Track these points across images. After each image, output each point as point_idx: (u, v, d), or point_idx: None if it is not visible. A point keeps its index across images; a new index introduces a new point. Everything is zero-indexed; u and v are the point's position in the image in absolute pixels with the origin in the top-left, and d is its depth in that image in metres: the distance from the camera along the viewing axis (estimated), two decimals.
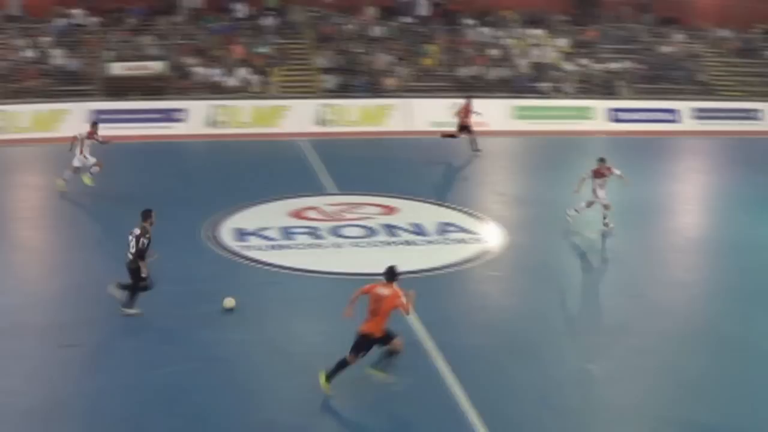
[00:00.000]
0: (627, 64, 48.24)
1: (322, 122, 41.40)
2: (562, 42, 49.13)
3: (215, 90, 42.43)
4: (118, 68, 42.24)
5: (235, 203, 27.88)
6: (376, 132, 41.10)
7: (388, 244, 25.24)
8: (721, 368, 18.29)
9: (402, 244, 25.35)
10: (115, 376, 16.94)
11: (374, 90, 43.94)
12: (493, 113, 42.52)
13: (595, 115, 44.67)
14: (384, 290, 16.13)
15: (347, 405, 16.53)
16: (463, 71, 45.92)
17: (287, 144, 37.84)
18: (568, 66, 47.57)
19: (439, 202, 29.31)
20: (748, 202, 30.88)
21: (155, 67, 42.79)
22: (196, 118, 40.26)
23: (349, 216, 27.56)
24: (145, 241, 19.19)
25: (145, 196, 28.15)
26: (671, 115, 45.70)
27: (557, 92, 45.80)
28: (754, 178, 34.42)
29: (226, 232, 25.57)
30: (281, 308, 20.61)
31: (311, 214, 27.67)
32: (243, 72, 43.26)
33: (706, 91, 47.65)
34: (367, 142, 39.48)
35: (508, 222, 27.76)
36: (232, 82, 42.93)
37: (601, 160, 27.00)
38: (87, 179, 29.36)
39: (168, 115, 39.97)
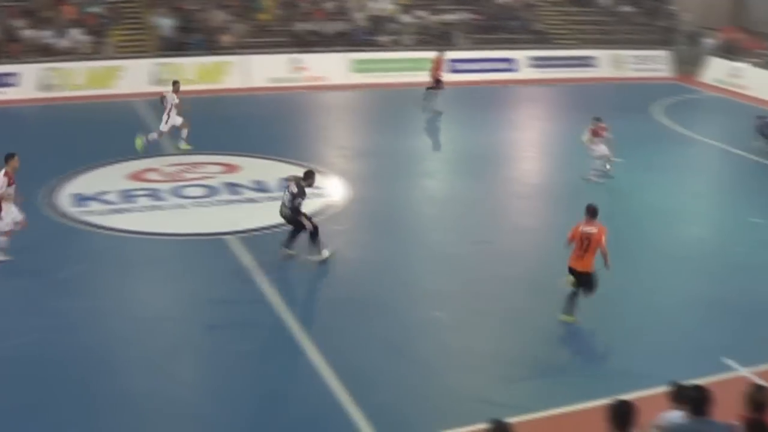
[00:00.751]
0: (463, 15, 48.55)
1: (159, 82, 40.59)
2: None
3: (47, 52, 41.15)
4: None
5: (72, 168, 27.16)
6: (213, 90, 40.47)
7: (231, 202, 25.00)
8: None
9: (245, 201, 25.17)
10: None
11: (211, 47, 43.26)
12: (331, 67, 42.54)
13: None
14: (591, 228, 17.43)
15: (198, 366, 16.36)
16: (300, 26, 45.58)
17: (123, 105, 36.94)
18: (405, 18, 47.63)
19: (280, 159, 29.06)
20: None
21: None
22: (28, 81, 39.00)
23: (190, 176, 27.17)
24: (300, 201, 20.00)
25: None
26: (509, 64, 46.23)
27: (395, 45, 45.87)
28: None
29: (64, 197, 24.87)
30: (126, 273, 20.22)
31: (151, 175, 27.19)
32: (75, 33, 42.08)
33: (542, 39, 48.38)
34: (205, 100, 38.84)
35: (351, 175, 27.79)
36: (63, 43, 41.71)
37: (597, 119, 27.55)
38: (183, 145, 29.14)
39: None
